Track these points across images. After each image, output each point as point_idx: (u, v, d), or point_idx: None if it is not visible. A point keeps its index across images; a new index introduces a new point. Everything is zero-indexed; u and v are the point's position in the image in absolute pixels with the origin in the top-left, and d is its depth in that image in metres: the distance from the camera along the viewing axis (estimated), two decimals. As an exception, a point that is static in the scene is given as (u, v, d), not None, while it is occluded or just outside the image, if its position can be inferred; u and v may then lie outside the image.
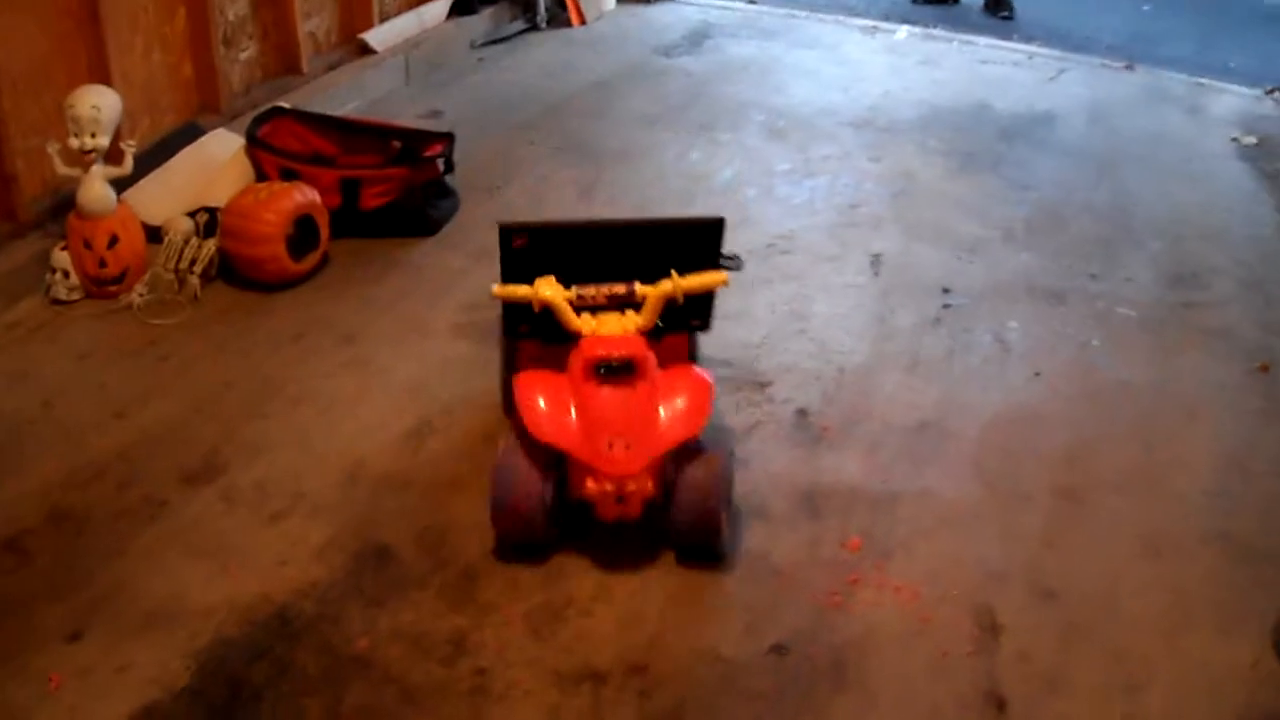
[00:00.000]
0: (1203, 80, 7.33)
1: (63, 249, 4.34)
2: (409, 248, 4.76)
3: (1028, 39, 7.89)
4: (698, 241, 3.32)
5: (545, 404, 3.18)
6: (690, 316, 3.38)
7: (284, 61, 5.81)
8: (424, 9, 6.71)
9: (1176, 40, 8.30)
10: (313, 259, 4.51)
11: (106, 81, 4.62)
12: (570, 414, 3.17)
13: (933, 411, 3.98)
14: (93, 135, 4.24)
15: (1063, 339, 4.44)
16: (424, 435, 3.72)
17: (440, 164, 4.87)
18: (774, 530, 3.41)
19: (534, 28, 7.26)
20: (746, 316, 4.37)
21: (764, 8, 8.13)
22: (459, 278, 4.57)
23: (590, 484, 3.14)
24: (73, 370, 4.01)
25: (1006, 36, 7.94)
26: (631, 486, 3.13)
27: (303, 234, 4.44)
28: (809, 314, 4.47)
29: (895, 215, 5.25)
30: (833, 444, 3.79)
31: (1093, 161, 5.98)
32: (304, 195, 4.48)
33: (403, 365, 4.07)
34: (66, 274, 4.33)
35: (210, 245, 4.43)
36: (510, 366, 3.54)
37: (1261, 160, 6.20)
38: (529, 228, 3.31)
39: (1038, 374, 4.21)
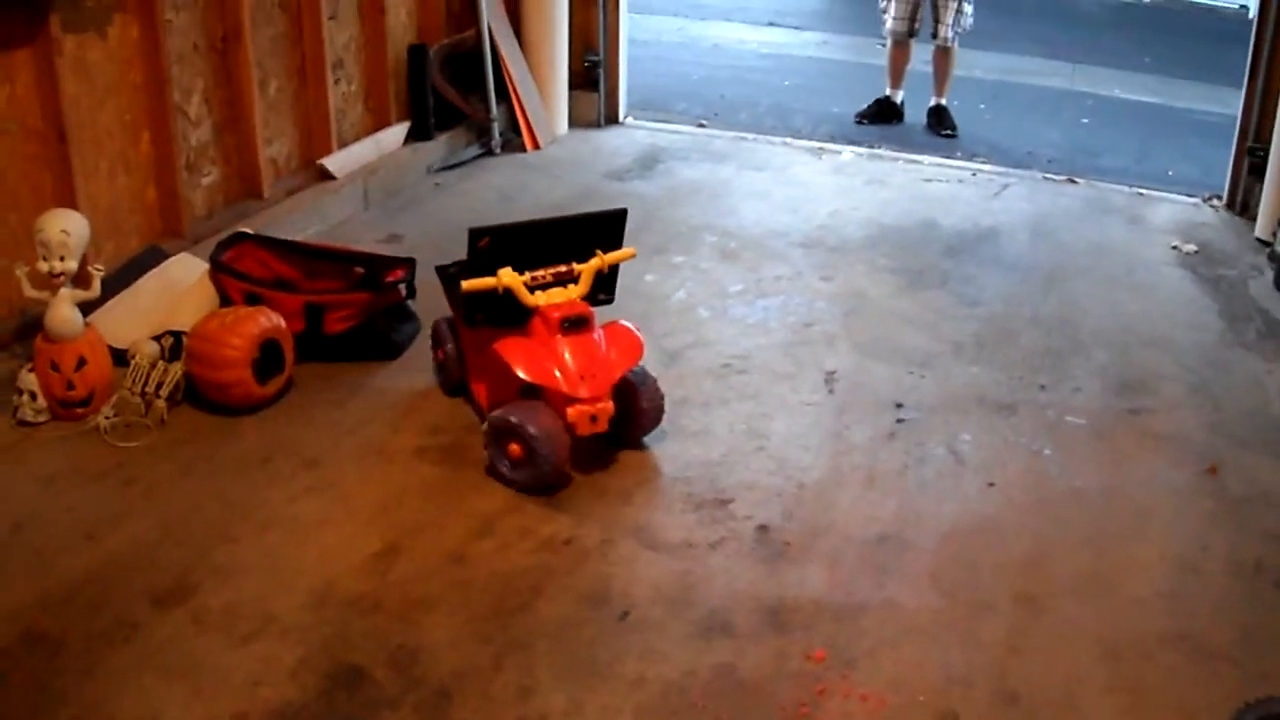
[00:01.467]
0: (1143, 190, 7.53)
1: (30, 371, 4.37)
2: (372, 372, 4.82)
3: (970, 156, 8.05)
4: (608, 228, 4.39)
5: (530, 357, 4.11)
6: (599, 292, 4.40)
7: (246, 186, 5.87)
8: (381, 135, 6.80)
9: (1116, 152, 8.49)
10: (278, 383, 4.55)
11: (72, 204, 4.69)
12: (548, 361, 4.09)
13: (891, 524, 4.05)
14: (61, 259, 4.28)
15: (1015, 449, 4.53)
16: (391, 557, 3.75)
17: (402, 289, 4.94)
18: (740, 645, 3.46)
19: (489, 153, 7.35)
20: (707, 435, 4.44)
21: (713, 131, 8.25)
22: (421, 401, 4.63)
23: (571, 411, 4.07)
24: (41, 493, 4.03)
25: (950, 154, 8.10)
26: (600, 405, 4.10)
27: (268, 358, 4.48)
28: (767, 432, 4.54)
29: (847, 333, 5.35)
30: (795, 558, 3.85)
31: (1038, 274, 6.11)
32: (269, 320, 4.53)
33: (368, 488, 4.11)
34: (34, 396, 4.36)
35: (176, 369, 4.48)
36: (459, 351, 4.60)
37: (1202, 267, 6.35)
38: (490, 230, 4.26)
39: (992, 484, 4.29)
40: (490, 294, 4.17)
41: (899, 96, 8.88)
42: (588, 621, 3.52)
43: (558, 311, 4.14)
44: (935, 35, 8.63)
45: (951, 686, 3.34)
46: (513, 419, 4.04)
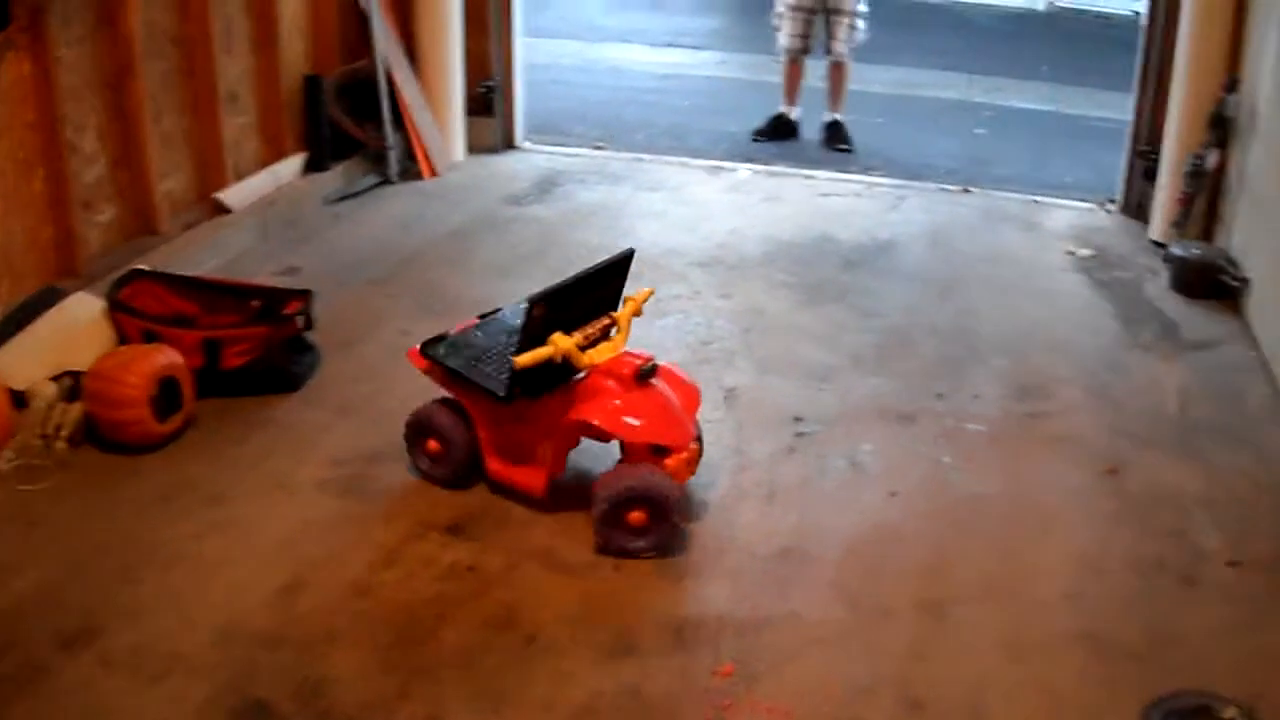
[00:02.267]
0: (1038, 197, 7.63)
1: (-72, 418, 4.33)
2: (272, 405, 4.79)
3: (867, 169, 8.12)
4: (621, 271, 4.20)
5: (621, 415, 3.94)
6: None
7: (142, 222, 5.82)
8: (277, 167, 6.78)
9: (1010, 160, 8.60)
10: (177, 420, 4.52)
11: (-34, 246, 4.64)
12: (640, 416, 3.97)
13: (793, 537, 4.09)
14: (-44, 303, 4.26)
15: (915, 458, 4.58)
16: (296, 591, 3.74)
17: (300, 321, 4.92)
18: (646, 664, 3.48)
19: (386, 181, 7.33)
20: (609, 456, 4.44)
21: (610, 153, 8.27)
22: (322, 434, 4.61)
23: (671, 461, 3.97)
24: (-58, 539, 3.98)
25: (846, 169, 8.17)
26: (693, 448, 4.11)
27: (166, 396, 4.45)
28: (668, 450, 4.56)
29: (746, 349, 5.38)
30: (698, 576, 3.89)
31: (935, 284, 6.18)
32: (166, 357, 4.51)
33: (271, 523, 4.08)
34: (-67, 442, 4.31)
35: (76, 409, 4.44)
36: (471, 436, 4.20)
37: (1098, 271, 6.45)
38: (544, 295, 3.88)
39: (893, 494, 4.34)
40: (527, 371, 3.91)
41: (795, 113, 8.95)
42: (494, 648, 3.52)
43: (632, 362, 3.99)
44: (829, 51, 8.70)
45: (856, 696, 3.37)
46: (634, 486, 3.89)
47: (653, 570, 3.89)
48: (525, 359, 3.85)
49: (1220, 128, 6.45)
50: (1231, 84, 6.41)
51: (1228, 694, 3.36)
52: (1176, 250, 6.39)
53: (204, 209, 6.27)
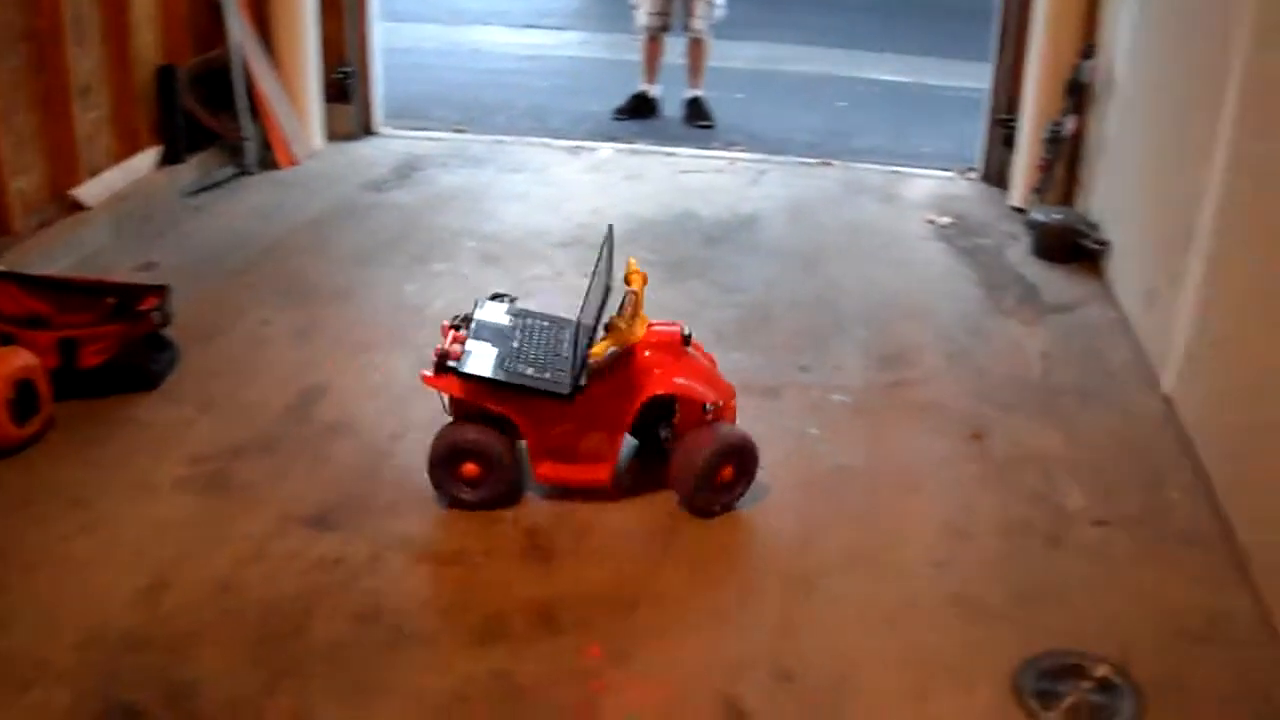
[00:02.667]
0: (898, 168, 7.70)
1: None
2: (132, 404, 4.71)
3: (728, 145, 8.16)
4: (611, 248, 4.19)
5: (694, 383, 4.10)
6: None
7: (-6, 222, 5.73)
8: (132, 161, 6.67)
9: (871, 133, 8.69)
10: (36, 423, 4.44)
11: None
12: (699, 378, 4.13)
13: (660, 517, 4.09)
14: None
15: (781, 432, 4.60)
16: (160, 591, 3.68)
17: (156, 317, 4.85)
18: (516, 649, 3.47)
19: (245, 172, 7.23)
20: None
21: (471, 136, 8.22)
22: (182, 430, 4.54)
23: (727, 411, 4.16)
24: None
25: (707, 145, 8.20)
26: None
27: (23, 398, 4.37)
28: (533, 434, 4.54)
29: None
30: (566, 559, 3.87)
31: (797, 258, 6.22)
32: (22, 359, 4.42)
33: (134, 524, 4.02)
34: None
35: (-71, 416, 4.36)
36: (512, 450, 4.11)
37: (958, 239, 6.53)
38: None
39: (760, 468, 4.35)
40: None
41: (655, 91, 8.97)
42: (363, 640, 3.50)
43: (666, 336, 4.10)
44: (687, 27, 8.73)
45: (728, 671, 3.39)
46: (727, 441, 4.06)
47: (520, 554, 3.89)
48: (598, 349, 3.91)
49: (1077, 94, 6.54)
50: (1088, 50, 6.50)
51: (1099, 652, 3.44)
52: (1037, 215, 6.48)
53: (58, 206, 6.16)
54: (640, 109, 8.93)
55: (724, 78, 9.27)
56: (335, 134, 7.94)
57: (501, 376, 3.98)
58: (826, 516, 4.13)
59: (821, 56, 11.02)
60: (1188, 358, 4.69)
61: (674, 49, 8.96)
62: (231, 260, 6.05)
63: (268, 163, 7.36)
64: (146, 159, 6.81)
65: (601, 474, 4.12)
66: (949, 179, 7.57)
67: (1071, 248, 6.20)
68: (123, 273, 5.71)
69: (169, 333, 4.98)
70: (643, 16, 8.78)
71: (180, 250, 6.17)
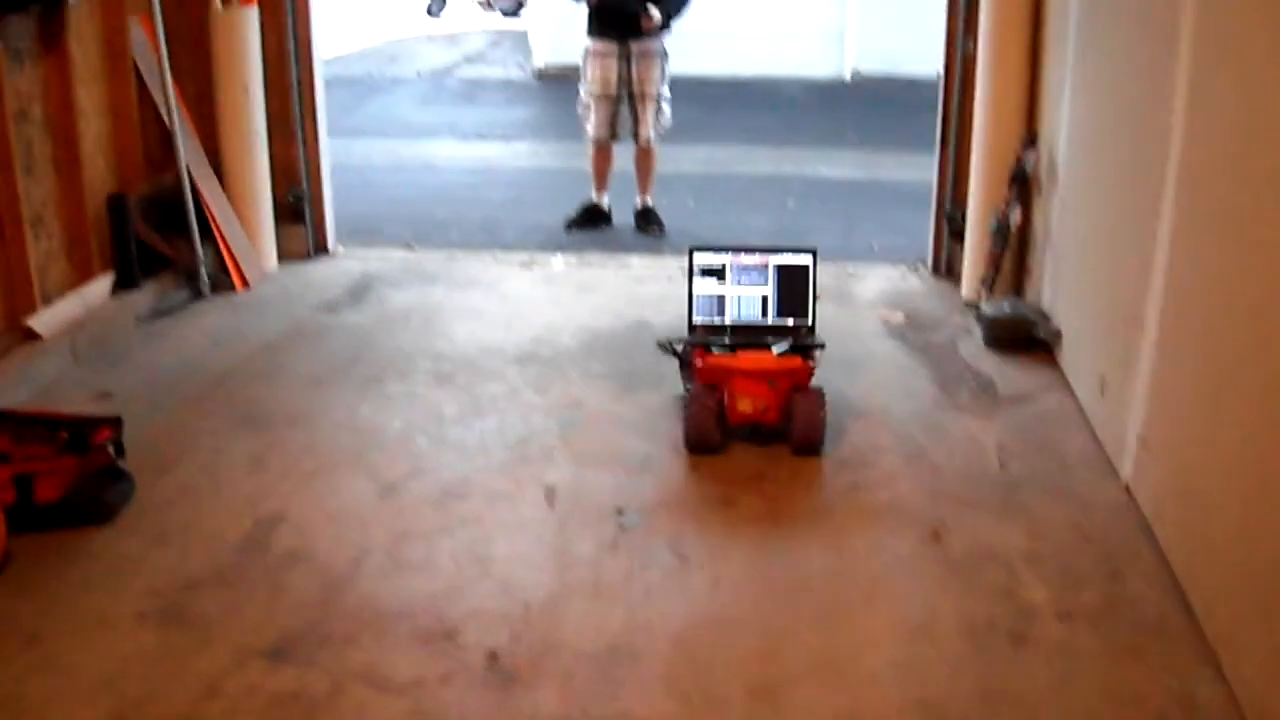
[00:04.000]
0: (850, 267, 7.78)
1: None
2: (87, 537, 4.68)
3: (679, 252, 8.16)
4: None
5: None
6: None
7: (-52, 354, 5.71)
8: (87, 288, 6.68)
9: (822, 231, 8.79)
10: (-10, 560, 4.44)
11: None
12: None
13: (621, 634, 4.08)
14: None
15: (738, 540, 4.62)
16: (119, 730, 3.66)
17: (110, 449, 4.85)
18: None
19: (199, 296, 7.25)
20: (429, 566, 4.43)
21: (423, 253, 8.26)
22: (138, 564, 4.51)
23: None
24: None
25: (659, 253, 8.28)
26: None
27: (-22, 536, 4.37)
28: (490, 556, 4.54)
29: (565, 444, 5.40)
30: (526, 681, 3.85)
31: (751, 364, 6.23)
32: (-25, 497, 4.42)
33: (91, 661, 3.98)
34: None
35: (-115, 554, 4.34)
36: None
37: (911, 334, 6.60)
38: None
39: (718, 580, 4.36)
40: None
41: (605, 200, 9.05)
42: (322, 776, 3.49)
43: None
44: (636, 137, 8.81)
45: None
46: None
47: (479, 680, 3.86)
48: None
49: (1022, 183, 6.62)
50: (1030, 139, 6.58)
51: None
52: (987, 309, 6.54)
53: (13, 337, 6.16)
54: (592, 219, 9.01)
55: (673, 183, 9.36)
56: (288, 254, 7.96)
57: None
58: (787, 624, 4.13)
59: (767, 156, 11.15)
60: (1142, 445, 4.73)
61: (623, 155, 9.03)
62: (186, 387, 6.04)
63: (222, 286, 7.38)
64: (100, 286, 6.82)
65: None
66: (900, 275, 7.64)
67: (1024, 339, 6.26)
68: (79, 402, 5.71)
69: (124, 464, 4.97)
70: (592, 128, 8.87)
71: (136, 378, 6.16)
